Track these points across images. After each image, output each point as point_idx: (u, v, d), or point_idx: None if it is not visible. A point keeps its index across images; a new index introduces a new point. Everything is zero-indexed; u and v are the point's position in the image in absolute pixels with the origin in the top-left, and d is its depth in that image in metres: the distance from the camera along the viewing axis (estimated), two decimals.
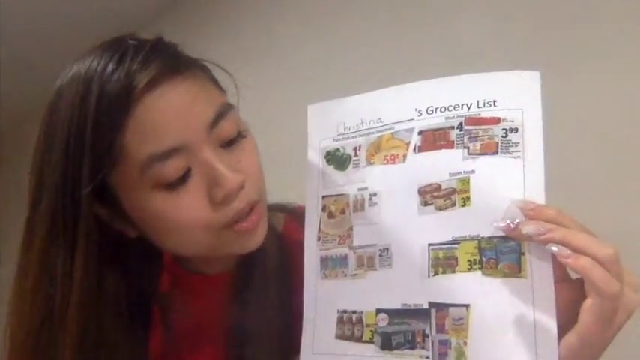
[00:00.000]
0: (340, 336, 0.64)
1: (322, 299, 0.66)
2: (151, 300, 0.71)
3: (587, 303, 0.50)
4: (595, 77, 1.26)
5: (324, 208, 0.68)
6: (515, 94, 0.60)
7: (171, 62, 0.62)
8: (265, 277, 0.70)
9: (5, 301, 0.66)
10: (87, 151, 0.59)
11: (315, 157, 0.70)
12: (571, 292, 0.53)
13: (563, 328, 0.52)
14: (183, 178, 0.61)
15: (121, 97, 0.58)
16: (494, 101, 0.61)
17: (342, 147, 0.69)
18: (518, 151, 0.58)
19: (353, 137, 0.68)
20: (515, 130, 0.59)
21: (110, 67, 0.60)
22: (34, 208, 0.64)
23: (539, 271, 0.55)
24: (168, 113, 0.60)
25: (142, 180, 0.60)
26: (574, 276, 0.55)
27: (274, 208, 0.76)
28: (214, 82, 0.70)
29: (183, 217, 0.62)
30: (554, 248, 0.52)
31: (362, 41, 1.82)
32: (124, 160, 0.60)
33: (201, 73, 0.67)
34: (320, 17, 2.01)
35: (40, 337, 0.63)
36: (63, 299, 0.62)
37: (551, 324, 0.53)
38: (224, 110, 0.64)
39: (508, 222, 0.55)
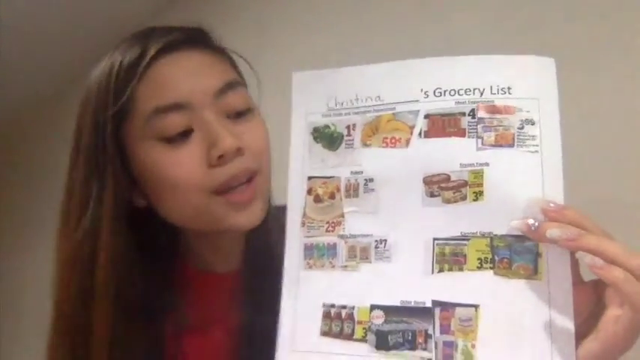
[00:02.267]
0: (326, 333, 0.58)
1: (305, 291, 0.60)
2: (164, 298, 0.71)
3: (614, 313, 0.49)
4: (598, 73, 1.27)
5: (309, 191, 0.62)
6: (530, 82, 0.57)
7: (193, 35, 0.68)
8: (273, 276, 0.63)
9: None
10: (111, 92, 0.65)
11: (300, 132, 0.63)
12: (585, 295, 0.52)
13: (576, 332, 0.51)
14: (184, 135, 0.64)
15: (141, 55, 0.65)
16: (509, 88, 0.57)
17: (332, 124, 0.62)
18: (536, 145, 0.55)
19: (346, 114, 0.62)
20: (532, 122, 0.56)
21: (138, 38, 0.67)
22: (74, 149, 0.70)
23: (556, 274, 0.52)
24: (178, 73, 0.65)
25: (145, 131, 0.64)
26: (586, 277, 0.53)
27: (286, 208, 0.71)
28: (235, 68, 0.73)
29: (178, 174, 0.63)
30: (587, 259, 0.49)
31: (360, 40, 1.78)
32: (134, 112, 0.65)
33: (222, 54, 0.71)
34: (318, 15, 1.97)
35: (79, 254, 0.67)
36: (95, 223, 0.66)
37: (568, 330, 0.51)
38: (234, 84, 0.67)
39: (528, 221, 0.52)
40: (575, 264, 0.52)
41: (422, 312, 0.56)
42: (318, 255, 0.60)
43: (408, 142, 0.58)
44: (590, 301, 0.52)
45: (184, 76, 0.64)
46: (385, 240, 0.58)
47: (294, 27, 2.06)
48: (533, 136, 0.55)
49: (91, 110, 0.68)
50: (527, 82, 0.57)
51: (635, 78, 1.22)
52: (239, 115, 0.66)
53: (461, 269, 0.55)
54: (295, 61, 1.97)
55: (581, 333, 0.51)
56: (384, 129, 0.60)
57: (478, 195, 0.55)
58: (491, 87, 0.57)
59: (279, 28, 2.11)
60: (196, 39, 0.68)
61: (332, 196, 0.61)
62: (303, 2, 2.06)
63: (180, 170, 0.63)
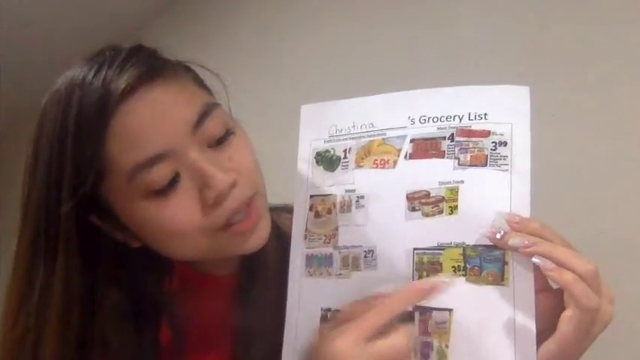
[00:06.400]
0: None
1: (306, 297, 0.67)
2: (159, 302, 0.70)
3: (567, 314, 0.53)
4: (591, 83, 1.30)
5: (311, 207, 0.69)
6: (505, 109, 0.63)
7: (146, 67, 0.61)
8: (271, 279, 0.69)
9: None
10: (68, 166, 0.59)
11: (305, 156, 0.71)
12: (551, 301, 0.56)
13: (543, 335, 0.55)
14: (172, 184, 0.60)
15: (98, 108, 0.58)
16: (485, 114, 0.63)
17: (332, 148, 0.70)
18: (507, 164, 0.61)
19: (344, 139, 0.69)
20: (505, 144, 0.61)
21: (87, 79, 0.60)
22: (21, 228, 0.65)
23: (521, 281, 0.57)
24: (146, 119, 0.59)
25: (130, 189, 0.60)
26: (554, 286, 0.58)
27: (280, 209, 0.76)
28: (198, 82, 0.69)
29: (177, 223, 0.61)
30: (539, 261, 0.54)
31: (359, 42, 1.82)
32: (111, 171, 0.59)
33: (182, 75, 0.65)
34: (318, 17, 2.00)
35: (19, 354, 0.64)
36: (39, 324, 0.62)
37: (530, 331, 0.56)
38: (208, 109, 0.62)
39: (494, 229, 0.58)
40: (542, 272, 0.57)
41: (404, 315, 0.61)
42: (317, 264, 0.67)
43: (395, 163, 0.65)
44: (556, 306, 0.56)
45: (156, 121, 0.59)
46: (372, 250, 0.64)
47: (294, 27, 2.07)
48: (504, 156, 0.61)
49: (42, 166, 0.62)
50: (502, 108, 0.63)
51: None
52: (220, 141, 0.63)
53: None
54: (295, 60, 2.01)
55: (548, 336, 0.55)
56: (375, 152, 0.67)
57: (453, 209, 0.61)
58: (469, 114, 0.64)
59: (280, 27, 2.12)
60: (150, 67, 0.61)
61: (329, 212, 0.68)
62: (304, 3, 2.06)
63: (177, 220, 0.61)
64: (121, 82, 0.58)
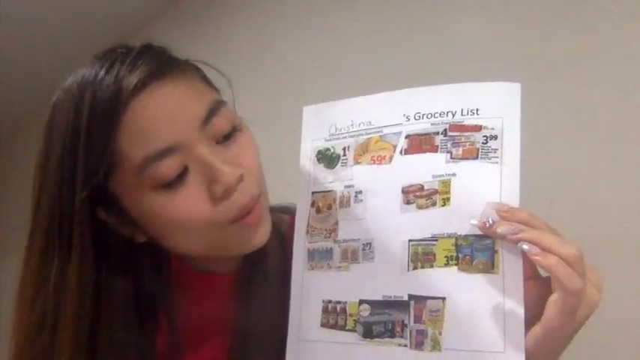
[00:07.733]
0: (325, 324, 0.68)
1: (308, 289, 0.70)
2: (159, 299, 0.71)
3: (553, 298, 0.55)
4: (585, 79, 1.31)
5: (312, 204, 0.72)
6: (496, 104, 0.65)
7: (157, 64, 0.63)
8: (269, 278, 0.72)
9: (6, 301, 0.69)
10: (81, 158, 0.61)
11: (307, 155, 0.74)
12: (539, 289, 0.58)
13: (532, 321, 0.57)
14: (181, 177, 0.62)
15: (110, 103, 0.60)
16: (477, 110, 0.65)
17: (332, 146, 0.73)
18: (497, 157, 0.63)
19: (343, 137, 0.72)
20: (495, 137, 0.63)
21: (100, 76, 0.62)
22: (34, 220, 0.66)
23: (510, 268, 0.59)
24: (157, 114, 0.61)
25: (140, 182, 0.61)
26: (543, 274, 0.59)
27: (278, 210, 0.78)
28: (205, 80, 0.71)
29: (186, 215, 0.62)
30: (525, 247, 0.56)
31: (359, 41, 1.84)
32: (121, 165, 0.61)
33: (191, 73, 0.67)
34: (317, 17, 2.02)
35: (36, 347, 0.65)
36: (56, 310, 0.64)
37: (519, 316, 0.57)
38: (216, 107, 0.65)
39: (484, 220, 0.60)
40: (531, 261, 0.59)
41: (400, 305, 0.63)
42: (318, 258, 0.70)
43: (391, 159, 0.68)
44: (544, 293, 0.57)
45: (166, 116, 0.61)
46: (370, 243, 0.67)
47: (294, 27, 2.07)
48: (495, 149, 0.63)
49: (55, 160, 0.63)
50: (493, 103, 0.65)
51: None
52: (227, 137, 0.65)
53: (431, 266, 0.63)
54: (295, 61, 2.03)
55: (536, 322, 0.57)
56: (373, 149, 0.70)
57: (446, 201, 0.63)
58: (462, 110, 0.66)
59: (280, 28, 2.12)
60: (160, 64, 0.63)
61: (329, 207, 0.71)
62: (304, 3, 2.06)
63: (186, 212, 0.62)
64: (133, 78, 0.60)
